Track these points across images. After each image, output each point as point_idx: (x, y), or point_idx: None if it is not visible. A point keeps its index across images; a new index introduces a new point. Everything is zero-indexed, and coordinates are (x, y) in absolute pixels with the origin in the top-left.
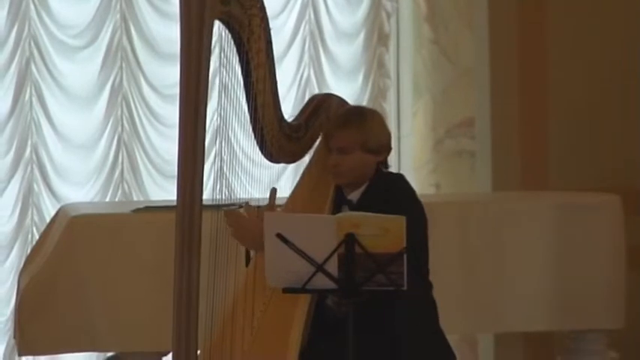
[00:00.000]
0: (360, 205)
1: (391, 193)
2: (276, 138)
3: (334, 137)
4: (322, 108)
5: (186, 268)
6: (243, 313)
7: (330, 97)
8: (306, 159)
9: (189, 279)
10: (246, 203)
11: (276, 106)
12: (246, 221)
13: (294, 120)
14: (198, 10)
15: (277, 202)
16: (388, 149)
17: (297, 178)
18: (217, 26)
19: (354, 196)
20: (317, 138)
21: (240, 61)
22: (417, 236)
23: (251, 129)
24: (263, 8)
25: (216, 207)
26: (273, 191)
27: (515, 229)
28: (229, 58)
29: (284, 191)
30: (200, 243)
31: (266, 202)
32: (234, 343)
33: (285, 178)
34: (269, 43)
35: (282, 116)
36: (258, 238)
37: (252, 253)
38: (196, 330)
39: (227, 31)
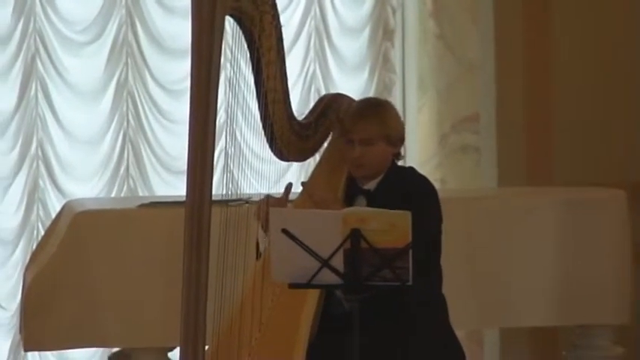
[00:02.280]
0: (378, 194)
1: (413, 186)
2: (286, 135)
3: (357, 129)
4: (332, 108)
5: (195, 265)
6: (252, 308)
7: (340, 96)
8: (316, 158)
9: (197, 275)
10: (250, 198)
11: (286, 103)
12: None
13: (304, 118)
14: (210, 5)
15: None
16: (403, 141)
17: (303, 175)
18: (227, 22)
19: (370, 185)
20: (327, 137)
21: (251, 57)
22: (436, 230)
23: (261, 126)
24: (274, 5)
25: (224, 202)
26: (289, 186)
27: (520, 224)
28: (238, 55)
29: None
30: (209, 239)
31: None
32: (242, 339)
33: (291, 174)
34: (280, 40)
35: (293, 114)
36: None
37: (262, 246)
38: (204, 326)
39: (237, 27)
